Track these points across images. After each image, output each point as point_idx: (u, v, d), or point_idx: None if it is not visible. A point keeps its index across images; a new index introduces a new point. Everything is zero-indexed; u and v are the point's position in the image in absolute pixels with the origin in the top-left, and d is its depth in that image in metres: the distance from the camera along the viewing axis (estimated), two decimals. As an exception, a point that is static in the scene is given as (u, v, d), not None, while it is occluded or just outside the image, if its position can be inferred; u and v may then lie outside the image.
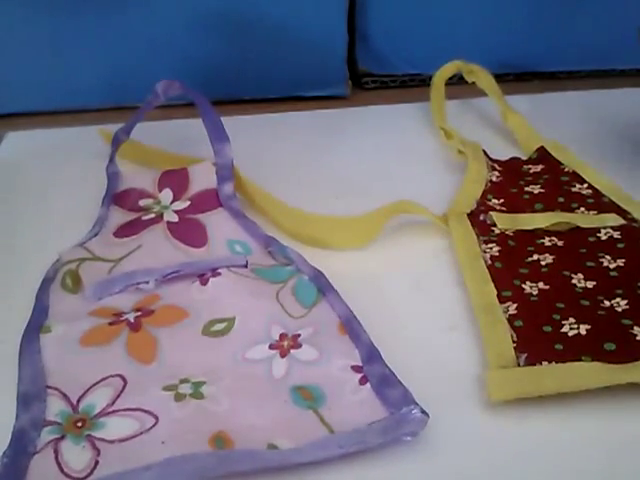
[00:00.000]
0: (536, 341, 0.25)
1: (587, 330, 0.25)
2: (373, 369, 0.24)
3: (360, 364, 0.25)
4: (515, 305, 0.27)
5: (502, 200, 0.35)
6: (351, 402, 0.23)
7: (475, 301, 0.28)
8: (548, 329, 0.26)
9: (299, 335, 0.26)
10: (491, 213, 0.33)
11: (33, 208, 0.36)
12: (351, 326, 0.26)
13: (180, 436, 0.22)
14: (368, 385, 0.24)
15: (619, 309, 0.27)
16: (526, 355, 0.24)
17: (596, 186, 0.36)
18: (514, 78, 0.51)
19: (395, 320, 0.28)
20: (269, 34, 0.46)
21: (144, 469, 0.21)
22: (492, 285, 0.28)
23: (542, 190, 0.36)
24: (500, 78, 0.49)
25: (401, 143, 0.42)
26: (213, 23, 0.45)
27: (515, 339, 0.25)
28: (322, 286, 0.29)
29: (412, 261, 0.32)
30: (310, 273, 0.29)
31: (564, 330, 0.26)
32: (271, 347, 0.26)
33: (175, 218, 0.33)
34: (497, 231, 0.32)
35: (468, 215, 0.33)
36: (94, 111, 0.46)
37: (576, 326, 0.26)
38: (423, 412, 0.22)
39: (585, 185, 0.36)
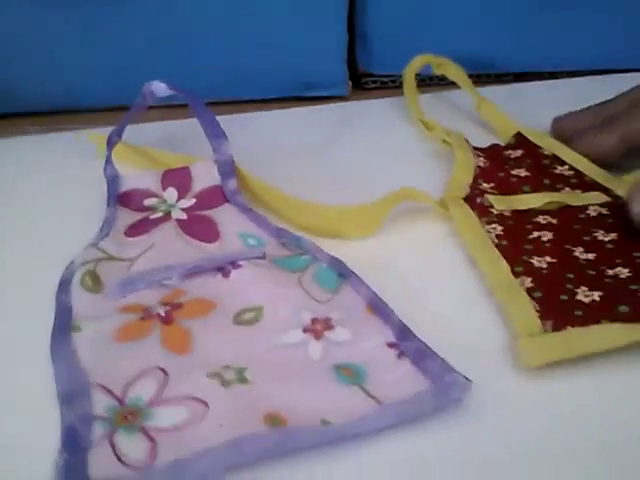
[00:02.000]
0: (558, 308, 0.27)
1: (600, 296, 0.27)
2: (408, 345, 0.25)
3: (394, 341, 0.26)
4: (530, 279, 0.29)
5: (492, 184, 0.37)
6: (393, 376, 0.24)
7: (491, 278, 0.29)
8: (565, 297, 0.27)
9: (330, 318, 0.27)
10: (487, 196, 0.35)
11: (32, 213, 0.36)
12: (379, 307, 0.27)
13: (235, 419, 0.22)
14: (406, 359, 0.25)
15: (623, 276, 0.29)
16: (552, 322, 0.26)
17: (576, 166, 0.38)
18: (513, 78, 0.52)
19: (412, 301, 0.29)
20: (268, 34, 0.46)
21: (206, 452, 0.21)
22: (504, 262, 0.30)
23: (528, 173, 0.38)
24: (500, 78, 0.51)
25: (394, 135, 0.44)
26: (212, 23, 0.45)
27: (538, 309, 0.27)
28: (342, 271, 0.29)
29: (419, 246, 0.33)
30: (327, 260, 0.30)
31: (579, 298, 0.27)
32: (305, 331, 0.26)
33: (184, 216, 0.34)
34: (496, 212, 0.34)
35: (464, 199, 0.35)
36: (94, 111, 0.46)
37: (589, 293, 0.27)
38: (465, 378, 0.23)
39: (566, 167, 0.38)
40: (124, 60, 0.45)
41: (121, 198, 0.35)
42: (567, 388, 0.25)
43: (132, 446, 0.22)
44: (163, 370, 0.25)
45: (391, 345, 0.26)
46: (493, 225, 0.33)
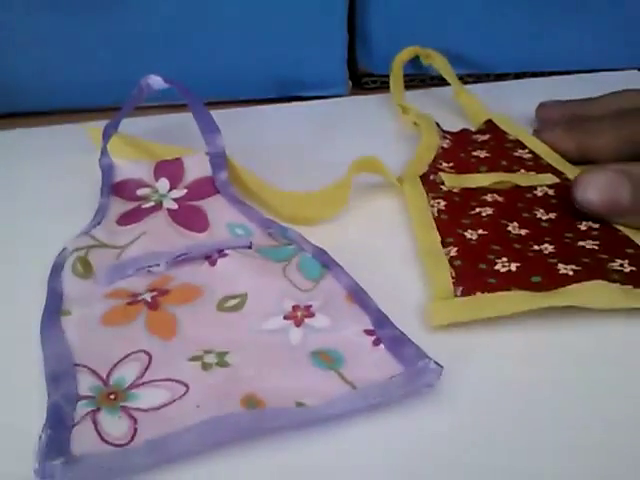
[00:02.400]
0: (472, 276, 0.29)
1: (517, 267, 0.29)
2: (384, 332, 0.26)
3: (372, 328, 0.27)
4: (456, 249, 0.31)
5: (451, 163, 0.39)
6: (368, 362, 0.25)
7: (421, 247, 0.31)
8: (483, 266, 0.29)
9: (310, 306, 0.28)
10: (440, 173, 0.37)
11: (28, 203, 0.37)
12: (358, 296, 0.28)
13: (213, 400, 0.23)
14: (382, 346, 0.26)
15: (546, 252, 0.30)
16: (462, 288, 0.28)
17: (536, 151, 0.40)
18: (514, 77, 0.53)
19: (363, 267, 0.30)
20: (268, 34, 0.47)
21: (184, 431, 0.22)
22: (437, 233, 0.32)
23: (488, 155, 0.39)
24: (501, 78, 0.52)
25: (384, 128, 0.44)
26: (211, 23, 0.46)
27: (454, 276, 0.29)
28: (325, 261, 0.30)
29: (377, 223, 0.35)
30: (312, 250, 0.31)
31: (497, 267, 0.29)
32: (285, 318, 0.27)
33: (174, 206, 0.34)
34: (445, 189, 0.36)
35: (421, 177, 0.37)
36: (91, 111, 0.46)
37: (508, 264, 0.29)
38: (437, 364, 0.24)
39: (526, 150, 0.40)
40: (122, 61, 0.46)
41: (115, 188, 0.36)
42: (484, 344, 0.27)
43: (114, 425, 0.23)
44: (147, 353, 0.26)
45: (368, 332, 0.26)
46: (438, 200, 0.34)
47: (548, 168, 0.38)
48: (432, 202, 0.34)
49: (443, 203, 0.34)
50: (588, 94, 0.42)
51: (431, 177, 0.36)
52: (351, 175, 0.34)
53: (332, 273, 0.30)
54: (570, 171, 0.37)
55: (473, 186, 0.36)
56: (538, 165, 0.38)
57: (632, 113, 0.37)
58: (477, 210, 0.34)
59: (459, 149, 0.40)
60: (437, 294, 0.28)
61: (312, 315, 0.27)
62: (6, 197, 0.38)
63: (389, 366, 0.25)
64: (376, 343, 0.26)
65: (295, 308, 0.28)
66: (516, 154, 0.39)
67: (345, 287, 0.29)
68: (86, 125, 0.42)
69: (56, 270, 0.30)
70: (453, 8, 0.49)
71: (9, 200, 0.37)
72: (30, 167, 0.40)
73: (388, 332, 0.26)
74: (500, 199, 0.35)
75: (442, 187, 0.36)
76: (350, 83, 0.51)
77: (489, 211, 0.33)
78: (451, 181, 0.36)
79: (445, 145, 0.40)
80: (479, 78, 0.52)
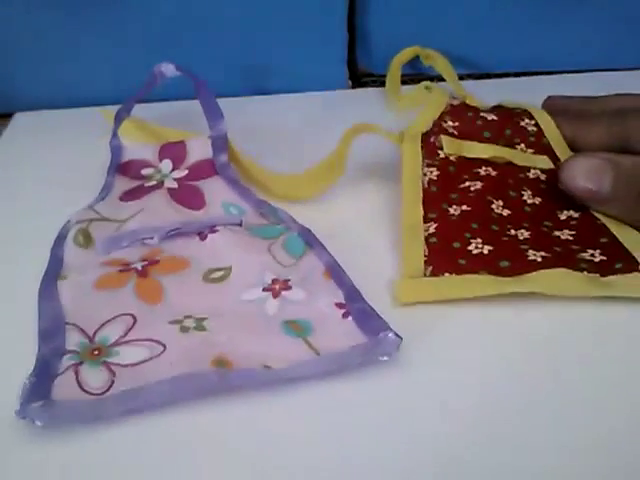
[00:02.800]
0: (443, 256, 0.30)
1: (489, 251, 0.30)
2: (354, 306, 0.28)
3: (343, 302, 0.28)
4: (435, 225, 0.31)
5: (457, 123, 0.38)
6: (335, 332, 0.27)
7: (404, 222, 0.32)
8: (457, 245, 0.30)
9: (289, 280, 0.29)
10: (441, 136, 0.36)
11: (41, 179, 0.39)
12: (335, 272, 0.30)
13: (186, 359, 0.25)
14: (350, 318, 0.27)
15: (521, 237, 0.31)
16: (431, 268, 0.29)
17: (541, 124, 0.38)
18: (514, 77, 0.52)
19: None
20: (268, 34, 0.47)
21: (155, 385, 0.24)
22: (421, 207, 0.32)
23: (495, 118, 0.38)
24: (501, 78, 0.52)
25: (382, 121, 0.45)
26: (213, 23, 0.47)
27: (426, 254, 0.30)
28: (309, 240, 0.32)
29: (357, 205, 0.36)
30: (298, 230, 0.33)
31: (470, 248, 0.30)
32: (264, 289, 0.29)
33: (175, 185, 0.36)
34: (442, 155, 0.35)
35: (422, 135, 0.36)
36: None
37: (481, 246, 0.30)
38: (397, 335, 0.25)
39: (533, 122, 0.39)
40: (122, 60, 0.47)
41: (121, 167, 0.38)
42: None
43: (94, 377, 0.25)
44: (133, 316, 0.28)
45: (339, 305, 0.28)
46: (431, 169, 0.34)
47: (547, 149, 0.37)
48: (426, 170, 0.34)
49: (436, 172, 0.34)
50: (593, 93, 0.42)
51: (432, 138, 0.36)
52: (347, 139, 0.35)
53: (314, 251, 0.31)
54: (566, 156, 0.37)
55: (470, 156, 0.36)
56: (539, 144, 0.37)
57: (630, 112, 0.38)
58: (467, 184, 0.34)
59: (467, 108, 0.39)
60: (407, 272, 0.29)
61: (289, 288, 0.29)
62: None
63: (354, 337, 0.26)
64: (345, 315, 0.27)
65: (274, 281, 0.29)
66: (522, 123, 0.38)
67: (324, 264, 0.30)
68: (103, 109, 0.44)
69: (60, 239, 0.32)
70: (453, 8, 0.49)
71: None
72: (51, 146, 0.43)
73: (358, 306, 0.28)
74: (493, 173, 0.35)
75: (440, 153, 0.35)
76: (350, 83, 0.51)
77: (478, 185, 0.33)
78: (450, 147, 0.36)
79: (454, 102, 0.39)
80: (479, 78, 0.52)
